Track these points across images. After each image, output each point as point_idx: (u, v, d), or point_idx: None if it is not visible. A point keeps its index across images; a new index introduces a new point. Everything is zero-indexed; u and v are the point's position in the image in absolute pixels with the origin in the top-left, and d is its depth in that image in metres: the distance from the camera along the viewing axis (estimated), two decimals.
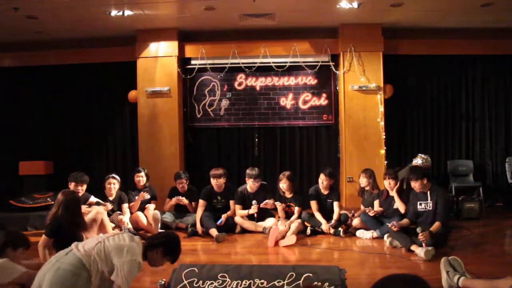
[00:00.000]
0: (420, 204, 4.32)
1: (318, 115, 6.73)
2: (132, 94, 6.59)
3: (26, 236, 3.19)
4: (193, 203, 5.42)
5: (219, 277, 3.17)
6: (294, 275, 3.15)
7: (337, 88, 6.62)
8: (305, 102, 6.73)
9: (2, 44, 6.69)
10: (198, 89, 6.81)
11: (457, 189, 6.05)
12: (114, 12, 5.54)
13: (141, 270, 2.75)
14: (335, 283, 3.03)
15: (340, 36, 6.40)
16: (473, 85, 6.84)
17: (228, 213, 5.15)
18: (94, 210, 4.48)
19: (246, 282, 3.11)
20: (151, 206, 5.21)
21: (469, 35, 6.49)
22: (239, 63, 6.53)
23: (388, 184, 4.84)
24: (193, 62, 6.68)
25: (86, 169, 5.36)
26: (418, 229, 3.96)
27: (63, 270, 2.40)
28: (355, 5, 5.40)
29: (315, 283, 3.00)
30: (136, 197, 5.25)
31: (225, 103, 6.79)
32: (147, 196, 5.27)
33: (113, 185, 5.11)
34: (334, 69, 6.58)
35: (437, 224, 4.04)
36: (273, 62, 6.54)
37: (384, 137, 6.30)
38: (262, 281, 3.11)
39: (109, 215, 4.77)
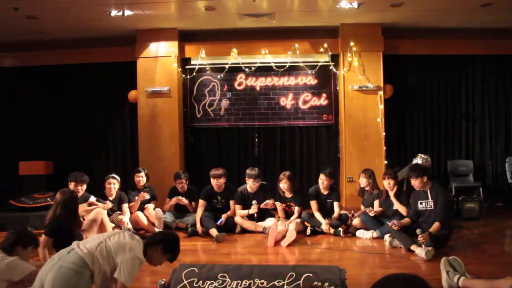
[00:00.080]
0: (421, 203, 4.31)
1: (318, 115, 6.73)
2: (132, 94, 6.59)
3: (35, 235, 3.22)
4: (193, 203, 5.42)
5: (219, 277, 3.17)
6: (294, 275, 3.15)
7: (337, 88, 6.62)
8: (305, 102, 6.73)
9: (2, 44, 6.69)
10: (198, 89, 6.81)
11: (457, 189, 6.05)
12: (114, 12, 5.54)
13: (141, 270, 2.76)
14: (335, 283, 3.03)
15: (340, 36, 6.40)
16: (473, 85, 6.84)
17: (228, 213, 5.15)
18: (94, 210, 4.48)
19: (246, 282, 3.11)
20: (150, 206, 5.21)
21: (469, 35, 6.49)
22: (239, 63, 6.53)
23: (387, 184, 4.84)
24: (193, 62, 6.68)
25: (86, 169, 5.36)
26: (418, 231, 3.95)
27: (66, 269, 2.41)
28: (355, 5, 5.40)
29: (315, 283, 3.00)
30: (136, 197, 5.26)
31: (225, 103, 6.79)
32: (147, 196, 5.27)
33: (113, 185, 5.12)
34: (334, 69, 6.58)
35: (436, 224, 4.03)
36: (273, 62, 6.54)
37: (384, 137, 6.30)
38: (262, 281, 3.11)
39: (109, 215, 4.78)
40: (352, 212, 5.23)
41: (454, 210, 5.68)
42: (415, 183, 4.31)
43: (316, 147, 6.83)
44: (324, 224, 4.87)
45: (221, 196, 5.27)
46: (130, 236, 2.70)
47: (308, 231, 4.89)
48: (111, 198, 5.10)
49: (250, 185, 5.14)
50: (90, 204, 4.87)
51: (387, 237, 4.42)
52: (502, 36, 6.49)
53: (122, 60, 6.65)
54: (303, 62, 6.52)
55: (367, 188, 5.17)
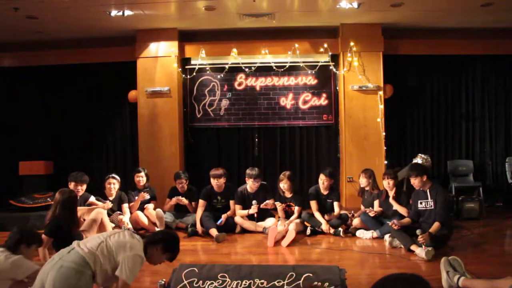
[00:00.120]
0: (421, 203, 4.31)
1: (318, 115, 6.73)
2: (132, 94, 6.59)
3: (39, 233, 3.22)
4: (193, 203, 5.42)
5: (219, 277, 3.17)
6: (294, 275, 3.15)
7: (337, 88, 6.62)
8: (305, 102, 6.73)
9: (2, 44, 6.68)
10: (198, 89, 6.81)
11: (457, 189, 6.05)
12: (114, 12, 5.54)
13: (141, 270, 2.76)
14: (335, 283, 3.03)
15: (340, 36, 6.40)
16: (473, 85, 6.84)
17: (228, 213, 5.15)
18: (94, 210, 4.49)
19: (246, 282, 3.11)
20: (150, 206, 5.21)
21: (469, 35, 6.49)
22: (239, 63, 6.53)
23: (387, 184, 4.84)
24: (193, 62, 6.68)
25: (86, 169, 5.36)
26: (418, 231, 3.95)
27: (67, 268, 2.41)
28: (355, 5, 5.40)
29: (315, 283, 3.00)
30: (136, 197, 5.26)
31: (225, 103, 6.79)
32: (147, 196, 5.27)
33: (113, 185, 5.12)
34: (334, 69, 6.58)
35: (436, 224, 4.03)
36: (273, 62, 6.54)
37: (384, 137, 6.30)
38: (262, 281, 3.11)
39: (109, 215, 4.78)
40: (352, 212, 5.23)
41: (454, 210, 5.68)
42: (415, 182, 4.30)
43: (316, 147, 6.83)
44: (324, 224, 4.87)
45: (221, 196, 5.27)
46: (130, 235, 2.72)
47: (308, 231, 4.89)
48: (111, 198, 5.10)
49: (250, 185, 5.14)
50: (90, 204, 4.88)
51: (387, 237, 4.42)
52: (502, 36, 6.49)
53: (122, 60, 6.65)
54: (303, 62, 6.52)
55: (367, 188, 5.17)
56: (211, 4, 5.45)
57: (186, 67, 6.67)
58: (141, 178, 5.43)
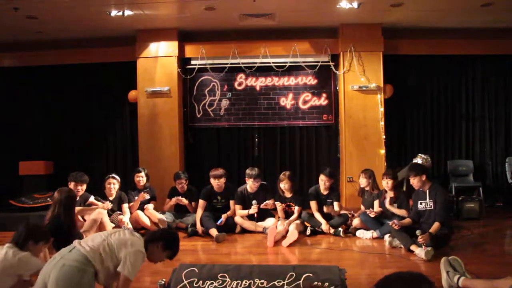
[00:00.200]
0: (421, 203, 4.31)
1: (318, 115, 6.73)
2: (132, 94, 6.59)
3: (47, 230, 3.23)
4: (193, 203, 5.42)
5: (219, 277, 3.17)
6: (294, 275, 3.15)
7: (337, 88, 6.62)
8: (305, 102, 6.73)
9: (2, 44, 6.68)
10: (198, 89, 6.81)
11: (457, 189, 6.05)
12: (114, 12, 5.54)
13: (141, 270, 2.77)
14: (335, 283, 3.03)
15: (340, 36, 6.40)
16: (473, 85, 6.84)
17: (228, 213, 5.15)
18: (95, 211, 4.50)
19: (246, 282, 3.11)
20: (150, 207, 5.21)
21: (469, 35, 6.48)
22: (239, 63, 6.53)
23: (386, 184, 4.84)
24: (193, 62, 6.67)
25: (86, 169, 5.36)
26: (418, 232, 3.95)
27: (69, 267, 2.42)
28: (355, 5, 5.40)
29: (315, 283, 3.00)
30: (136, 197, 5.25)
31: (225, 103, 6.79)
32: (147, 196, 5.27)
33: (113, 185, 5.12)
34: (334, 69, 6.58)
35: (436, 224, 4.03)
36: (273, 62, 6.54)
37: (384, 137, 6.30)
38: (262, 281, 3.11)
39: (109, 215, 4.78)
40: (352, 212, 5.23)
41: (454, 210, 5.68)
42: (414, 181, 4.30)
43: (316, 147, 6.83)
44: (324, 224, 4.87)
45: (221, 196, 5.27)
46: (130, 233, 2.75)
47: (308, 231, 4.89)
48: (111, 198, 5.10)
49: (250, 185, 5.14)
50: (90, 204, 4.88)
51: (387, 237, 4.43)
52: (502, 36, 6.49)
53: (122, 60, 6.65)
54: (303, 62, 6.52)
55: (367, 188, 5.17)
56: (211, 4, 5.45)
57: (186, 67, 6.67)
58: (141, 178, 5.43)
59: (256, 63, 6.50)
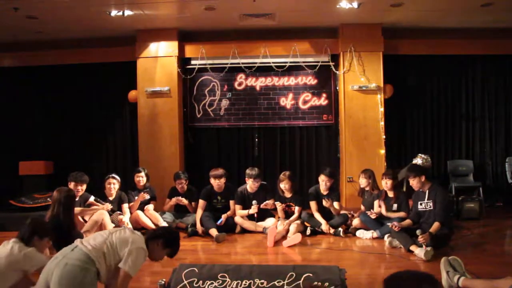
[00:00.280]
0: (421, 204, 4.32)
1: (318, 115, 6.73)
2: (132, 94, 6.59)
3: (54, 224, 3.24)
4: (192, 203, 5.42)
5: (219, 277, 3.17)
6: (294, 275, 3.15)
7: (337, 88, 6.62)
8: (305, 102, 6.73)
9: (2, 44, 6.68)
10: (198, 89, 6.81)
11: (457, 189, 6.05)
12: (114, 12, 5.54)
13: (141, 270, 2.77)
14: (335, 283, 3.03)
15: (340, 36, 6.40)
16: (473, 85, 6.84)
17: (228, 213, 5.15)
18: (97, 212, 4.51)
19: (246, 282, 3.11)
20: (150, 207, 5.21)
21: (469, 35, 6.49)
22: (239, 63, 6.53)
23: (385, 184, 4.84)
24: (193, 62, 6.67)
25: (86, 169, 5.35)
26: (418, 231, 3.95)
27: (72, 266, 2.43)
28: (355, 5, 5.40)
29: (315, 283, 3.00)
30: (136, 197, 5.26)
31: (225, 103, 6.79)
32: (147, 196, 5.27)
33: (113, 185, 5.12)
34: (334, 69, 6.58)
35: (436, 224, 4.03)
36: (273, 62, 6.54)
37: (384, 137, 6.30)
38: (262, 281, 3.11)
39: (109, 215, 4.77)
40: (351, 212, 5.23)
41: (454, 210, 5.68)
42: (413, 183, 4.31)
43: (316, 147, 6.83)
44: (324, 225, 4.87)
45: (221, 196, 5.27)
46: (131, 231, 2.77)
47: (308, 231, 4.89)
48: (111, 198, 5.11)
49: (250, 185, 5.14)
50: (90, 204, 4.88)
51: (386, 237, 4.42)
52: (502, 36, 6.49)
53: (122, 60, 6.65)
54: (303, 62, 6.52)
55: (367, 189, 5.17)
56: (211, 4, 5.45)
57: (186, 67, 6.67)
58: (141, 178, 5.43)
59: (256, 63, 6.50)
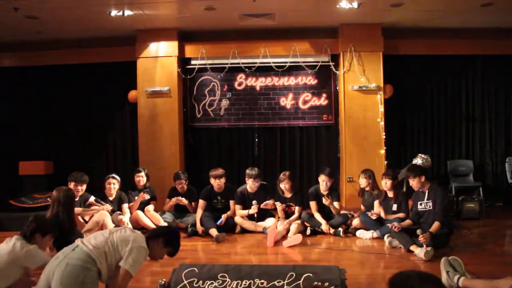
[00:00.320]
0: (420, 204, 4.32)
1: (318, 115, 6.73)
2: (132, 94, 6.59)
3: (54, 224, 3.24)
4: (192, 203, 5.42)
5: (219, 277, 3.17)
6: (294, 275, 3.15)
7: (337, 88, 6.62)
8: (305, 102, 6.73)
9: (2, 44, 6.68)
10: (198, 89, 6.81)
11: (457, 189, 6.05)
12: (114, 12, 5.54)
13: (141, 270, 2.77)
14: (335, 283, 3.03)
15: (340, 36, 6.40)
16: (473, 85, 6.84)
17: (228, 213, 5.15)
18: (98, 212, 4.51)
19: (246, 282, 3.11)
20: (150, 208, 5.21)
21: (469, 35, 6.49)
22: (239, 63, 6.53)
23: (385, 184, 4.84)
24: (193, 62, 6.67)
25: (86, 169, 5.35)
26: (418, 231, 3.95)
27: (73, 266, 2.43)
28: (355, 5, 5.40)
29: (315, 283, 3.00)
30: (136, 197, 5.26)
31: (225, 103, 6.79)
32: (147, 196, 5.27)
33: (113, 185, 5.12)
34: (334, 69, 6.58)
35: (436, 224, 4.03)
36: (273, 62, 6.54)
37: (384, 137, 6.31)
38: (262, 281, 3.12)
39: (109, 215, 4.78)
40: (351, 212, 5.23)
41: (454, 210, 5.68)
42: (413, 183, 4.32)
43: (316, 147, 6.83)
44: (324, 225, 4.87)
45: (221, 196, 5.27)
46: (131, 230, 2.78)
47: (308, 231, 4.89)
48: (111, 198, 5.11)
49: (250, 185, 5.14)
50: (90, 204, 4.88)
51: (386, 237, 4.42)
52: (502, 36, 6.49)
53: (122, 60, 6.65)
54: (303, 62, 6.52)
55: (367, 189, 5.17)
56: (211, 4, 5.45)
57: (186, 67, 6.66)
58: (141, 178, 5.44)
59: (256, 63, 6.50)
